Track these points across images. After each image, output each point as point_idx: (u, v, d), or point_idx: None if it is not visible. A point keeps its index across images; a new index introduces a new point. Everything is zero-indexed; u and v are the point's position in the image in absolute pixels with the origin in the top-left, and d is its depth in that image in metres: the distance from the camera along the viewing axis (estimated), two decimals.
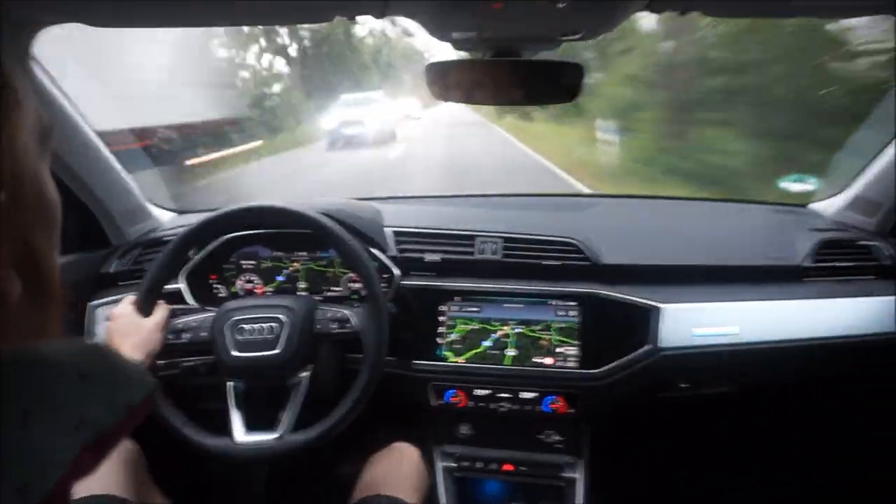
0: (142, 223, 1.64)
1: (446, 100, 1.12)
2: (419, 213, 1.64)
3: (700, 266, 1.46)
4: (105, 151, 1.45)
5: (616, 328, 1.38)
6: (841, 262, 1.47)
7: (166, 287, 1.32)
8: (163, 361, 1.33)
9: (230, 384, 1.22)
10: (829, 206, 1.69)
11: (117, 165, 1.51)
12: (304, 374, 1.23)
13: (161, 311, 1.21)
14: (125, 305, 1.19)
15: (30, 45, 1.08)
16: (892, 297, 1.41)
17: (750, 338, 1.35)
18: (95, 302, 1.48)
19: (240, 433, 1.18)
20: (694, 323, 1.36)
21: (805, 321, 1.38)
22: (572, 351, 1.39)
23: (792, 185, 1.73)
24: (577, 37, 0.98)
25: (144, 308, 1.20)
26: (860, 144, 1.68)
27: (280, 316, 1.22)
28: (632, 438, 1.77)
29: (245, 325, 1.21)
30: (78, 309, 1.47)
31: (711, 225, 1.70)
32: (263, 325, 1.21)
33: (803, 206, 1.78)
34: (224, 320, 1.23)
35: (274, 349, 1.19)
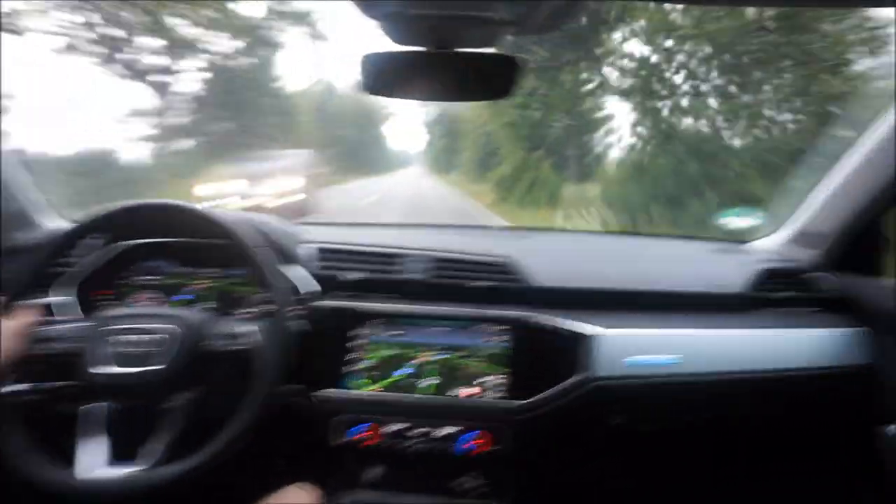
0: (30, 230, 1.47)
1: (377, 94, 1.04)
2: (345, 235, 1.53)
3: (639, 292, 1.38)
4: None
5: (548, 356, 1.26)
6: (786, 292, 1.41)
7: (51, 300, 1.16)
8: (16, 386, 1.14)
9: (94, 406, 1.04)
10: (773, 241, 1.65)
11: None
12: (187, 396, 1.06)
13: (23, 314, 1.04)
14: None
15: None
16: (840, 330, 1.35)
17: (692, 368, 1.26)
18: None
19: (95, 465, 0.98)
20: (632, 351, 1.25)
21: (750, 352, 1.30)
22: (500, 380, 1.25)
23: (733, 220, 1.69)
24: (511, 14, 0.91)
25: (7, 310, 1.03)
26: (800, 177, 1.67)
27: (168, 326, 1.05)
28: (563, 482, 1.61)
29: (122, 336, 1.04)
30: None
31: (651, 256, 1.63)
32: (146, 336, 1.04)
33: (746, 242, 1.74)
34: (100, 328, 1.05)
35: (154, 364, 1.02)
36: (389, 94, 1.03)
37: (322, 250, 1.39)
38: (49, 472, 0.96)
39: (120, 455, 1.01)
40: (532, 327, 1.27)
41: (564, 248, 1.62)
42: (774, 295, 1.42)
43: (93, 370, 1.02)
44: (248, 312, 1.39)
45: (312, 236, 1.43)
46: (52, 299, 1.22)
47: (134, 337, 1.04)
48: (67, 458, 0.99)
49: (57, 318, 1.14)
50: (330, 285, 1.35)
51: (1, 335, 0.98)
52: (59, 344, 1.06)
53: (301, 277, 1.30)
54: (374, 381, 1.27)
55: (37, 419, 1.03)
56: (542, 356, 1.26)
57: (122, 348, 1.03)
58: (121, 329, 1.05)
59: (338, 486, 1.36)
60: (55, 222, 1.55)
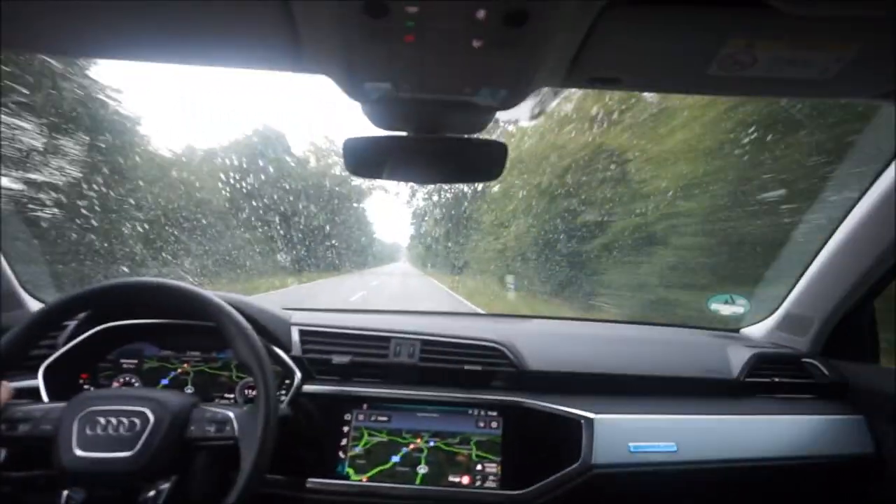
0: (11, 312, 1.43)
1: (362, 176, 1.06)
2: (332, 320, 1.50)
3: (633, 376, 1.35)
4: None
5: (543, 442, 1.21)
6: (777, 377, 1.40)
7: (23, 384, 1.11)
8: None
9: (65, 494, 0.97)
10: (763, 327, 1.65)
11: None
12: (164, 486, 0.99)
13: None
14: None
15: None
16: (836, 417, 1.32)
17: (688, 455, 1.21)
18: None
19: None
20: (630, 437, 1.21)
21: (746, 439, 1.27)
22: (493, 468, 1.19)
23: (722, 307, 1.70)
24: (498, 100, 0.95)
25: None
26: (785, 264, 1.70)
27: (145, 410, 0.99)
28: None
29: (100, 419, 0.98)
30: None
31: (642, 342, 1.62)
32: (123, 419, 0.98)
33: (736, 330, 1.74)
34: (76, 411, 0.99)
35: (128, 450, 0.95)
36: (373, 177, 1.06)
37: (309, 333, 1.37)
38: None
39: None
40: (526, 412, 1.23)
41: (555, 334, 1.60)
42: (765, 380, 1.40)
43: (63, 455, 0.95)
44: (230, 397, 1.34)
45: (299, 321, 1.40)
46: (24, 382, 1.17)
47: (108, 420, 0.99)
48: None
49: (27, 400, 1.08)
50: (316, 369, 1.31)
51: None
52: (27, 426, 1.00)
53: (287, 361, 1.27)
54: (363, 471, 1.21)
55: None
56: (538, 442, 1.21)
57: (93, 432, 0.97)
58: (94, 412, 0.99)
59: None
60: (37, 303, 1.52)
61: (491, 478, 1.19)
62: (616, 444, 1.20)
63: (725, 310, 1.71)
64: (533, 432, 1.22)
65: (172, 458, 0.99)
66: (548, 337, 1.52)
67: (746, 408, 1.33)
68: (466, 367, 1.30)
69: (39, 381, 1.21)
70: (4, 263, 1.39)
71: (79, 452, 0.95)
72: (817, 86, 0.81)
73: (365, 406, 1.27)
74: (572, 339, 1.52)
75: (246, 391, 1.34)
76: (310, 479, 1.20)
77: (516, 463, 1.20)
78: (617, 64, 0.78)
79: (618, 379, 1.34)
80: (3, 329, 1.37)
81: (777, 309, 1.61)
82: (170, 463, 0.99)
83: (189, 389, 1.35)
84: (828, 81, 0.77)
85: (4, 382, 1.02)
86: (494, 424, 1.23)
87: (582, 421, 1.21)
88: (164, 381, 1.35)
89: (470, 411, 1.25)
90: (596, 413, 1.22)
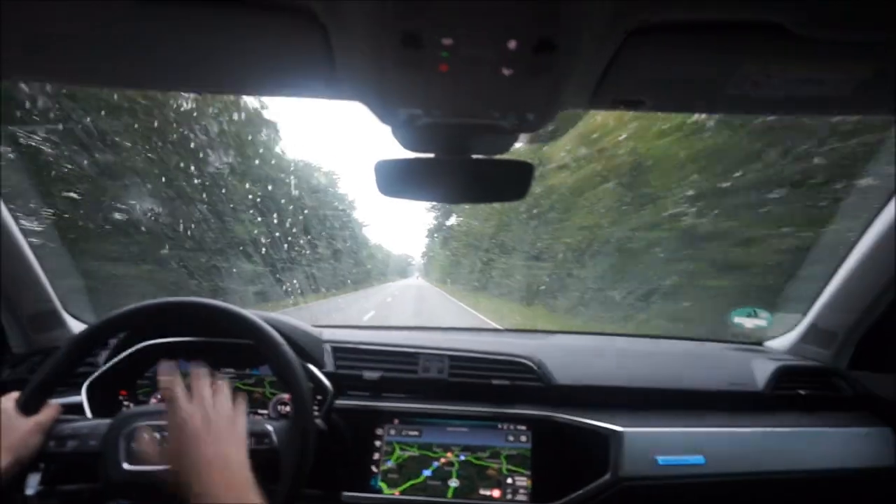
0: (52, 331, 1.48)
1: (393, 196, 1.10)
2: (361, 336, 1.54)
3: (659, 390, 1.36)
4: (22, 241, 1.33)
5: (572, 456, 1.23)
6: (802, 390, 1.40)
7: (66, 401, 1.15)
8: (37, 488, 1.12)
9: None
10: (785, 340, 1.65)
11: (34, 261, 1.39)
12: None
13: (47, 410, 1.04)
14: (5, 400, 1.02)
15: None
16: (862, 430, 1.32)
17: (716, 468, 1.22)
18: None
19: None
20: (658, 450, 1.22)
21: (772, 451, 1.27)
22: (523, 482, 1.21)
23: (745, 321, 1.70)
24: (525, 123, 0.99)
25: (26, 407, 1.02)
26: (809, 275, 1.70)
27: None
28: None
29: (145, 434, 1.03)
30: None
31: (667, 356, 1.63)
32: (167, 433, 1.03)
33: (759, 344, 1.74)
34: (121, 428, 1.03)
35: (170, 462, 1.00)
36: (403, 197, 1.10)
37: (340, 349, 1.40)
38: None
39: None
40: (555, 425, 1.25)
41: (580, 348, 1.62)
42: (791, 393, 1.41)
43: (111, 469, 1.00)
44: (264, 413, 1.37)
45: (330, 338, 1.44)
46: (69, 399, 1.22)
47: (154, 434, 1.03)
48: None
49: (73, 416, 1.13)
50: (348, 385, 1.34)
51: (21, 431, 0.98)
52: (75, 442, 1.04)
53: (321, 377, 1.30)
54: (396, 485, 1.23)
55: None
56: (567, 456, 1.23)
57: (139, 446, 1.01)
58: (137, 427, 1.04)
59: None
60: (81, 322, 1.57)
61: (521, 491, 1.21)
62: (644, 457, 1.21)
63: (748, 323, 1.71)
64: (562, 446, 1.24)
65: None
66: (573, 351, 1.54)
67: (773, 420, 1.34)
68: (494, 381, 1.33)
69: (83, 398, 1.25)
70: (47, 283, 1.44)
71: (127, 466, 0.99)
72: (833, 104, 0.83)
73: (396, 421, 1.30)
74: (597, 354, 1.54)
75: (279, 407, 1.38)
76: (344, 493, 1.23)
77: (546, 476, 1.22)
78: (640, 87, 0.81)
79: (644, 393, 1.36)
80: (45, 349, 1.44)
81: (801, 321, 1.61)
82: None
83: None
84: (844, 99, 0.80)
85: (53, 402, 1.07)
86: (524, 438, 1.25)
87: (610, 434, 1.23)
88: None
89: (499, 425, 1.27)
90: (624, 426, 1.24)
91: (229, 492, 0.83)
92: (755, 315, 1.69)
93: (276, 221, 15.37)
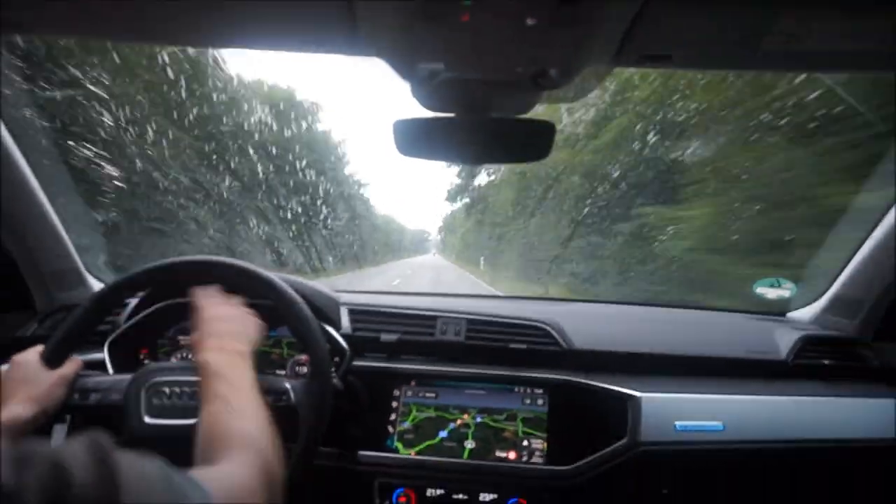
0: (73, 290, 1.50)
1: (411, 156, 1.08)
2: (380, 301, 1.54)
3: (680, 356, 1.35)
4: (44, 200, 1.34)
5: (589, 419, 1.23)
6: (825, 360, 1.38)
7: (89, 357, 1.17)
8: (63, 438, 1.15)
9: None
10: (810, 311, 1.62)
11: (57, 220, 1.40)
12: None
13: (70, 364, 1.05)
14: (30, 353, 1.03)
15: None
16: (885, 400, 1.30)
17: (735, 435, 1.21)
18: (3, 367, 1.31)
19: None
20: (676, 415, 1.21)
21: (793, 420, 1.26)
22: (539, 444, 1.21)
23: (768, 291, 1.67)
24: (547, 80, 0.96)
25: (51, 359, 1.03)
26: (835, 244, 1.66)
27: None
28: None
29: (165, 388, 1.03)
30: None
31: (688, 324, 1.61)
32: (186, 388, 1.04)
33: (782, 314, 1.71)
34: (142, 382, 1.04)
35: (192, 418, 1.00)
36: (422, 157, 1.07)
37: (358, 312, 1.40)
38: None
39: None
40: (572, 389, 1.25)
41: (599, 315, 1.61)
42: (814, 362, 1.38)
43: (133, 422, 1.01)
44: (282, 373, 1.38)
45: (347, 301, 1.44)
46: (92, 356, 1.23)
47: (171, 390, 1.04)
48: None
49: (96, 372, 1.14)
50: (365, 347, 1.34)
51: (46, 384, 0.99)
52: (98, 395, 1.06)
53: (338, 338, 1.31)
54: (412, 445, 1.24)
55: None
56: (584, 419, 1.22)
57: (159, 401, 1.02)
58: (158, 383, 1.05)
59: None
60: (100, 281, 1.59)
61: (537, 453, 1.21)
62: (662, 422, 1.20)
63: (771, 293, 1.68)
64: (579, 410, 1.23)
65: None
66: (592, 318, 1.52)
67: (794, 389, 1.32)
68: (512, 345, 1.32)
69: (105, 355, 1.27)
70: (68, 241, 1.45)
71: (148, 420, 1.00)
72: (873, 59, 0.79)
73: (413, 382, 1.30)
74: (616, 320, 1.53)
75: (297, 368, 1.39)
76: (360, 452, 1.24)
77: (562, 439, 1.21)
78: (668, 41, 0.78)
79: (663, 359, 1.34)
80: (68, 306, 1.46)
81: (826, 292, 1.58)
82: None
83: None
84: (883, 54, 0.76)
85: (75, 356, 1.08)
86: (540, 401, 1.25)
87: (628, 399, 1.22)
88: None
89: (516, 388, 1.27)
90: (642, 391, 1.23)
91: (233, 361, 0.92)
92: (778, 285, 1.66)
93: (283, 193, 15.17)
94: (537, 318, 1.38)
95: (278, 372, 1.39)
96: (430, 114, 1.12)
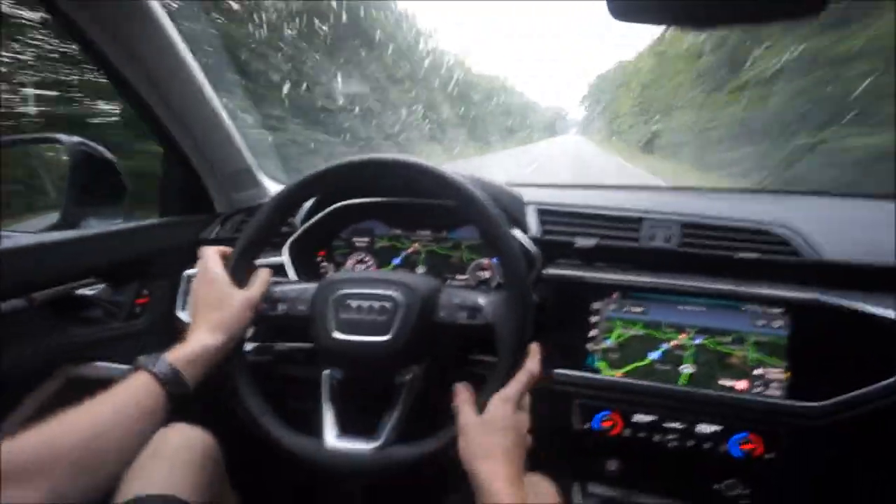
0: (250, 190, 1.48)
1: (628, 20, 0.80)
2: (567, 197, 1.34)
3: None
4: (219, 106, 1.31)
5: (844, 350, 0.99)
6: None
7: (268, 260, 1.11)
8: (252, 345, 1.13)
9: (326, 373, 0.97)
10: None
11: (231, 124, 1.36)
12: (417, 370, 0.96)
13: (259, 283, 0.98)
14: (217, 267, 0.96)
15: None
16: None
17: None
18: (190, 271, 1.31)
19: (332, 436, 0.91)
20: None
21: None
22: (777, 374, 1.01)
23: None
24: None
25: (237, 273, 0.96)
26: None
27: (395, 295, 0.93)
28: None
29: (352, 302, 0.94)
30: (172, 275, 1.31)
31: None
32: (374, 303, 0.93)
33: None
34: (328, 293, 0.96)
35: (384, 334, 0.91)
36: (641, 21, 0.79)
37: (547, 213, 1.23)
38: (296, 438, 0.90)
39: (346, 429, 0.93)
40: (821, 311, 1.01)
41: (847, 217, 1.29)
42: None
43: (322, 337, 0.94)
44: (463, 278, 1.27)
45: (532, 199, 1.26)
46: (270, 259, 1.18)
47: (359, 304, 0.94)
48: (307, 430, 0.92)
49: (282, 280, 1.09)
50: (556, 253, 1.18)
51: (235, 308, 0.93)
52: (285, 306, 0.99)
53: (527, 243, 1.15)
54: (617, 366, 1.10)
55: (274, 390, 0.98)
56: (836, 349, 1.00)
57: (347, 315, 0.94)
58: (345, 295, 0.95)
59: (581, 474, 1.22)
60: (274, 186, 1.56)
61: (774, 385, 1.01)
62: None
63: None
64: (830, 337, 1.00)
65: (423, 343, 0.94)
66: (838, 220, 1.23)
67: None
68: (740, 254, 1.09)
69: (286, 258, 1.22)
70: (242, 144, 1.41)
71: (337, 335, 0.92)
72: None
73: (615, 295, 1.12)
74: (871, 223, 1.22)
75: (478, 273, 1.27)
76: (556, 371, 1.12)
77: (807, 371, 1.00)
78: None
79: None
80: (247, 208, 1.44)
81: None
82: (421, 348, 0.95)
83: (420, 269, 1.30)
84: None
85: (262, 271, 1.01)
86: (778, 323, 1.03)
87: None
88: (396, 261, 1.31)
89: (744, 307, 1.05)
90: None
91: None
92: None
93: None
94: (768, 221, 1.12)
95: (459, 276, 1.28)
96: None
